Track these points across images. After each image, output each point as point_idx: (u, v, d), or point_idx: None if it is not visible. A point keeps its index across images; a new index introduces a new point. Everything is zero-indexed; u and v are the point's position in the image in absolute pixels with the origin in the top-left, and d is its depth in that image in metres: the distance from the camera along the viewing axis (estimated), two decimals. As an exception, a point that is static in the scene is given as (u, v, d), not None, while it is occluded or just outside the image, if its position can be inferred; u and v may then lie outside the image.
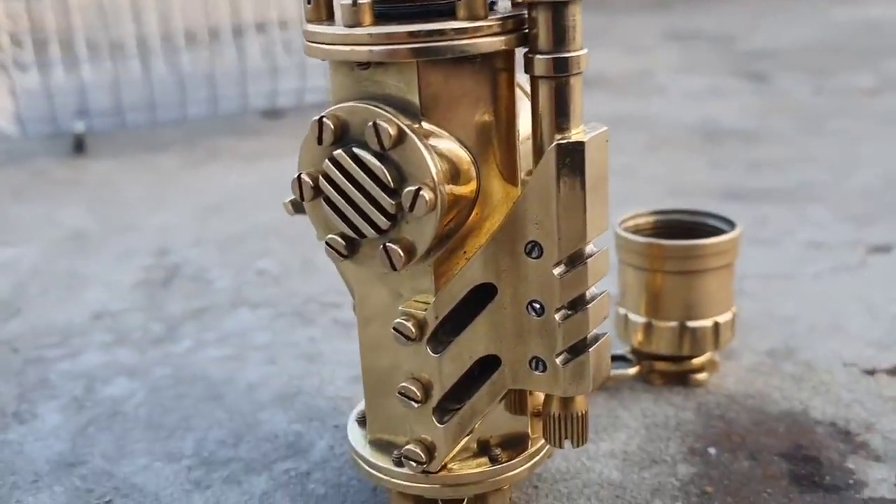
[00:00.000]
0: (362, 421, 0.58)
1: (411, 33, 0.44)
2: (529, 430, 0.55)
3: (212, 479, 0.62)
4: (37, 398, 0.75)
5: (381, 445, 0.55)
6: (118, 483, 0.63)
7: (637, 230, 0.72)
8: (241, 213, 1.23)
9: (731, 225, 0.70)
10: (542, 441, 0.55)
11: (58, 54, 1.61)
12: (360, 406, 0.59)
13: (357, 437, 0.56)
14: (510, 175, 0.50)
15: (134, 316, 0.90)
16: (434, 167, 0.45)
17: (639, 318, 0.69)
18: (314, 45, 0.47)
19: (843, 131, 1.49)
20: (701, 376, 0.70)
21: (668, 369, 0.70)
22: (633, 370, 0.70)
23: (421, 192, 0.45)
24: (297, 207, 0.57)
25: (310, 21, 0.49)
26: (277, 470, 0.63)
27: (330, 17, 0.49)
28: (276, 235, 1.12)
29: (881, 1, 2.95)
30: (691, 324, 0.68)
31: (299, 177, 0.48)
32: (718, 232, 0.70)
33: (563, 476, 0.60)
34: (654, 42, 2.45)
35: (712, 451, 0.62)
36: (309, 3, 0.48)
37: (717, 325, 0.68)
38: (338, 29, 0.46)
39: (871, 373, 0.72)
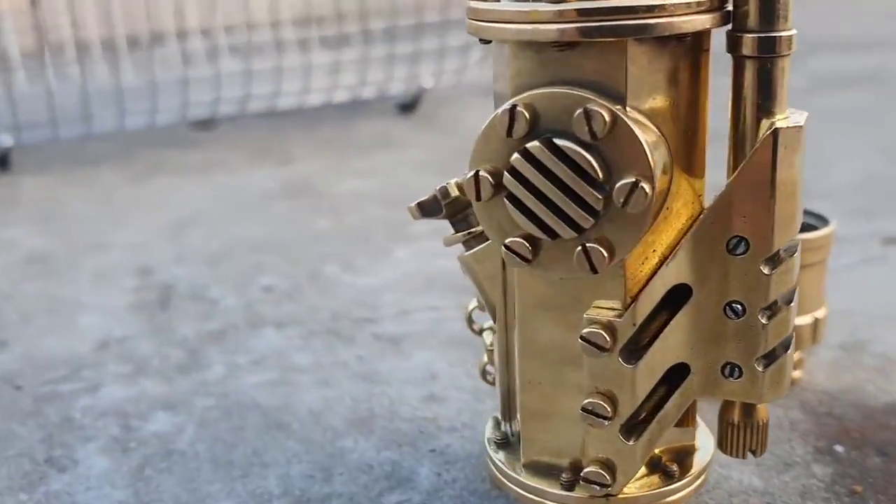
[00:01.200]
0: (501, 443, 0.53)
1: (627, 8, 0.40)
2: (697, 443, 0.51)
3: (317, 519, 0.56)
4: (69, 441, 0.66)
5: (539, 469, 0.50)
6: (209, 531, 0.55)
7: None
8: (214, 228, 1.14)
9: (821, 220, 0.68)
10: (705, 453, 0.51)
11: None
12: (491, 428, 0.54)
13: (504, 461, 0.51)
14: (696, 166, 0.46)
15: (143, 342, 0.82)
16: (651, 157, 0.41)
17: (737, 318, 0.66)
18: (498, 24, 0.42)
19: (796, 129, 1.52)
20: (796, 374, 0.68)
21: (765, 369, 0.68)
22: (733, 372, 0.67)
23: (640, 185, 0.40)
24: (426, 211, 0.52)
25: None
26: None
27: (497, -4, 0.44)
28: (265, 249, 1.05)
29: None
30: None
31: (477, 174, 0.43)
32: (807, 227, 0.68)
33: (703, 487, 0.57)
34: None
35: (839, 449, 0.60)
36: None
37: (816, 321, 0.66)
38: (538, 5, 0.41)
39: (947, 361, 0.72)
